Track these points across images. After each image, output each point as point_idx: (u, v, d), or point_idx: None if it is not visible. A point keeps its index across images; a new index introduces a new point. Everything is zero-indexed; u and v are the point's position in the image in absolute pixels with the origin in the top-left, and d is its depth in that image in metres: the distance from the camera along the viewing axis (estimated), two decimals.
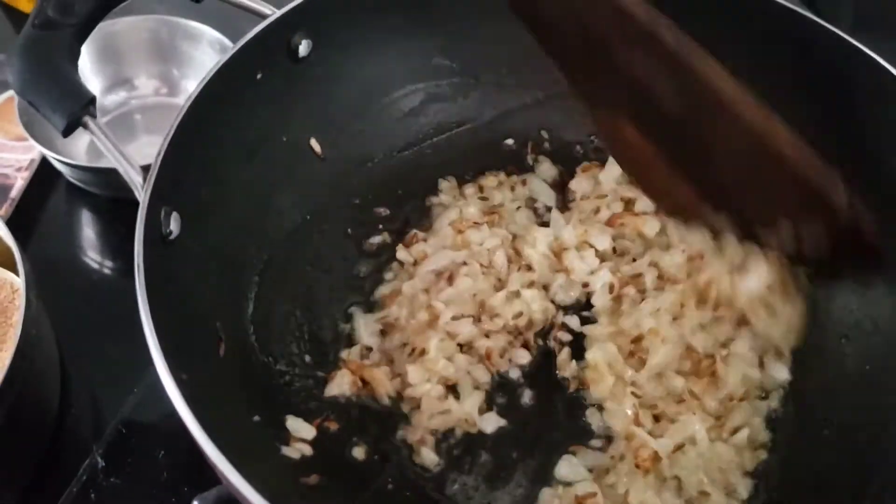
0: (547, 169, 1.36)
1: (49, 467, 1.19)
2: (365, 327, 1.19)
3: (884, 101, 1.13)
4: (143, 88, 1.63)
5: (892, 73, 1.11)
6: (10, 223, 1.17)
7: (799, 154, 0.97)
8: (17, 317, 1.06)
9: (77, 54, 1.03)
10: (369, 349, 1.18)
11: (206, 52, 1.57)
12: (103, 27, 1.55)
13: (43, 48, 1.00)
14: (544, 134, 1.38)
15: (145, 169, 1.01)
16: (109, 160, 1.01)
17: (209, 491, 0.98)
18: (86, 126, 1.01)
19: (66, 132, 1.00)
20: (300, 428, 1.07)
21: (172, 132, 1.02)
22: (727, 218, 1.07)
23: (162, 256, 0.97)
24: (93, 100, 1.01)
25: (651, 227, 1.27)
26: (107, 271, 1.45)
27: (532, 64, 1.33)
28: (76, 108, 0.99)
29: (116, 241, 1.47)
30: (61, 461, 1.19)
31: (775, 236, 1.04)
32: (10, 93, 1.53)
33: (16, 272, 1.13)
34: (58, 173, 1.50)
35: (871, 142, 1.17)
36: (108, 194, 1.48)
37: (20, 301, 1.08)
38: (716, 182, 1.04)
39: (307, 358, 1.16)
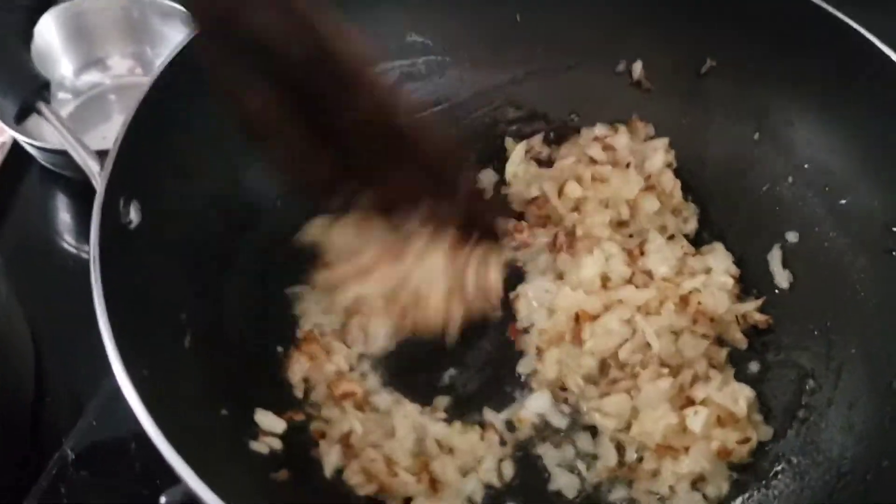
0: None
1: (27, 459, 1.17)
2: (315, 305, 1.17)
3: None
4: (117, 68, 1.60)
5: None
6: None
7: (419, 132, 0.97)
8: None
9: (30, 37, 1.00)
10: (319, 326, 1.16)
11: (181, 29, 1.53)
12: (72, 6, 1.53)
13: None
14: (522, 112, 1.35)
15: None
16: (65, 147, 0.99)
17: (176, 486, 0.96)
18: (39, 112, 0.98)
19: (19, 118, 0.98)
20: (269, 422, 1.04)
21: (131, 117, 0.99)
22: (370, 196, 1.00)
23: (122, 247, 0.95)
24: (46, 84, 0.99)
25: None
26: (83, 255, 1.42)
27: (509, 41, 1.32)
28: (28, 94, 0.97)
29: (90, 224, 1.44)
30: (39, 453, 1.17)
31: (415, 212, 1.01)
32: None
33: None
34: (30, 158, 1.48)
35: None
36: (81, 177, 1.45)
37: None
38: (355, 156, 0.97)
39: (279, 348, 1.14)
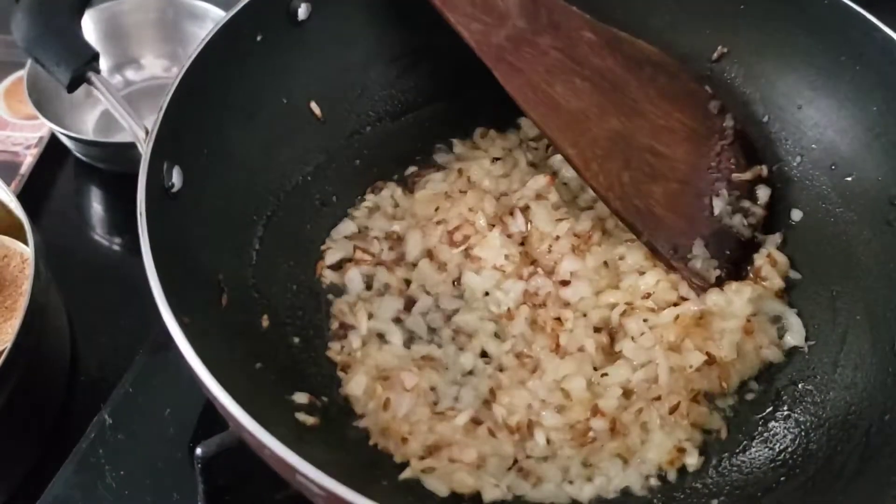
0: None
1: (61, 429, 1.22)
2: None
3: None
4: (151, 68, 1.67)
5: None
6: (20, 198, 1.20)
7: None
8: (27, 286, 1.08)
9: (81, 12, 1.06)
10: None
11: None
12: (109, 7, 1.60)
13: (48, 4, 1.03)
14: None
15: None
16: (114, 115, 1.04)
17: (211, 438, 1.00)
18: (89, 81, 1.03)
19: (71, 87, 1.03)
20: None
21: (174, 88, 1.04)
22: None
23: (165, 208, 0.99)
24: (96, 55, 1.04)
25: None
26: (115, 246, 1.49)
27: None
28: (80, 64, 1.02)
29: (123, 216, 1.50)
30: (72, 424, 1.21)
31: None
32: (20, 73, 1.56)
33: (26, 244, 1.16)
34: (66, 151, 1.54)
35: None
36: (114, 169, 1.51)
37: (29, 270, 1.10)
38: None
39: (309, 316, 1.17)
